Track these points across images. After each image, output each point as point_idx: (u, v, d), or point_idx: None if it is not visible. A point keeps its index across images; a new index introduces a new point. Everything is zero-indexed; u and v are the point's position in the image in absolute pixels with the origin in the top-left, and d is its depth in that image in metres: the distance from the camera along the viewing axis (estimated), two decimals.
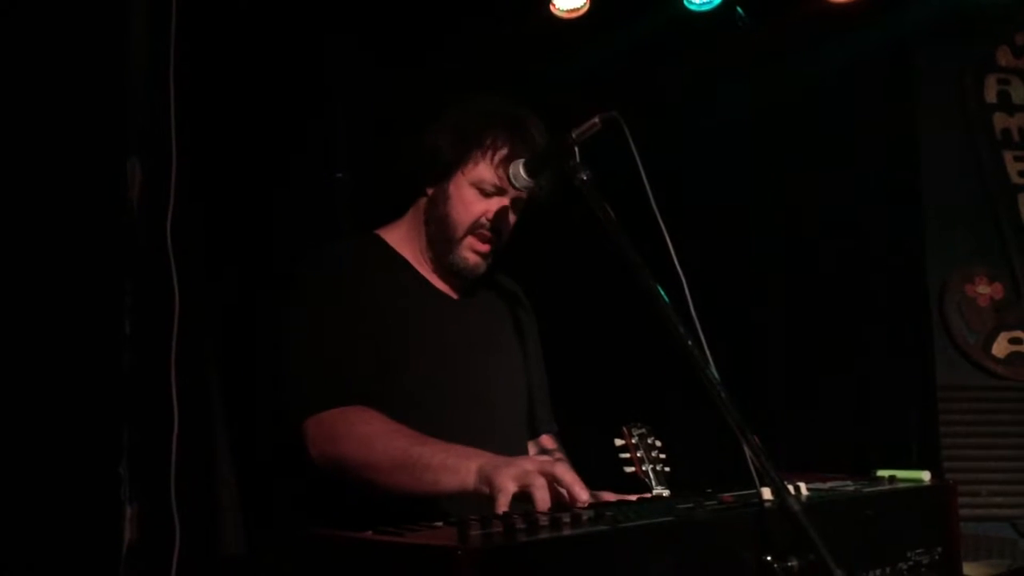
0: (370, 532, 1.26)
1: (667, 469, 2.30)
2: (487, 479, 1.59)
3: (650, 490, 2.21)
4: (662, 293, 1.61)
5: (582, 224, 1.86)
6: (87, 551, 1.83)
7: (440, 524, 1.32)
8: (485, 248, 2.06)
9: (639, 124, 1.77)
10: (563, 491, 1.54)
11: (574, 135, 1.80)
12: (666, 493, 2.15)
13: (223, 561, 2.13)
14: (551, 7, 3.65)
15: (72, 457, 1.84)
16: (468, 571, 1.08)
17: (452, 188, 2.04)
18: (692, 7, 3.70)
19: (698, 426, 2.37)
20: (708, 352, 1.56)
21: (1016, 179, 4.11)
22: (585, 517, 1.29)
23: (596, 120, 1.78)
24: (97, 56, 2.01)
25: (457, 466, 1.67)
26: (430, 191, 2.08)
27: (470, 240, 2.04)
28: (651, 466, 2.28)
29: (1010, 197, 4.10)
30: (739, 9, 3.73)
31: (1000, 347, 3.99)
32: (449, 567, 1.09)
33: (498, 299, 2.25)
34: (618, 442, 2.33)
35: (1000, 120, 4.15)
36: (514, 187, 1.95)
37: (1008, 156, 4.13)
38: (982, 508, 3.76)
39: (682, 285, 1.63)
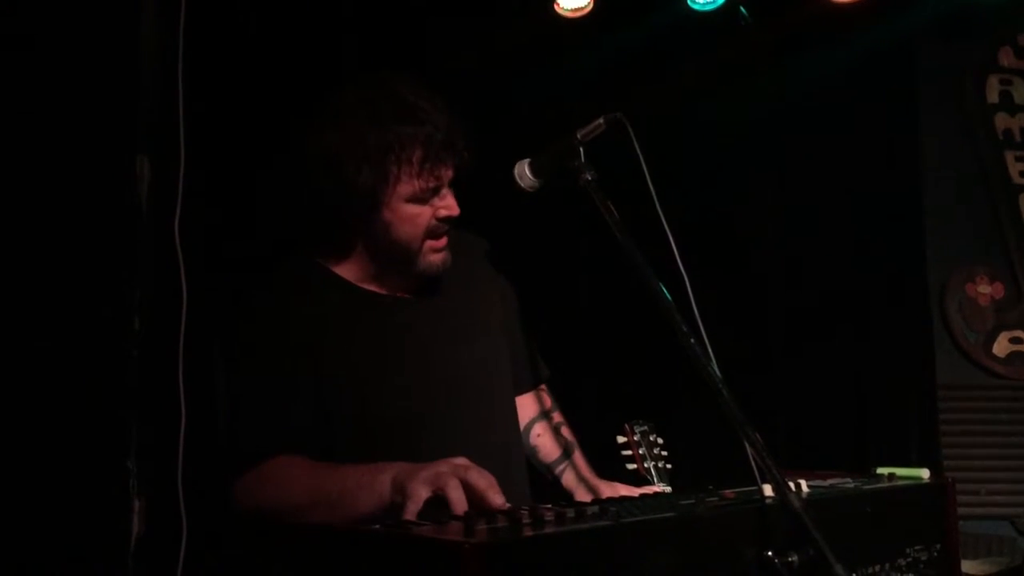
0: (378, 526, 1.28)
1: (668, 466, 2.32)
2: (400, 488, 1.55)
3: (649, 487, 2.22)
4: (665, 292, 1.63)
5: (585, 223, 1.88)
6: (96, 544, 1.85)
7: (446, 519, 1.35)
8: (443, 242, 1.96)
9: (643, 123, 1.79)
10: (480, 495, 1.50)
11: (579, 136, 1.82)
12: (668, 490, 2.17)
13: (228, 554, 2.14)
14: (555, 6, 3.64)
15: (82, 451, 1.86)
16: (474, 565, 1.10)
17: (388, 214, 1.88)
18: (696, 7, 3.71)
19: (700, 423, 2.39)
20: (710, 350, 1.58)
21: (1017, 179, 4.12)
22: (589, 512, 1.31)
23: (601, 121, 1.80)
24: (107, 53, 2.02)
25: (372, 482, 1.62)
26: (358, 220, 1.93)
27: (428, 244, 1.94)
28: (653, 463, 2.30)
29: (1011, 197, 4.11)
30: (742, 9, 3.74)
31: (1001, 346, 4.00)
32: (455, 561, 1.11)
33: (455, 271, 2.06)
34: (620, 439, 2.35)
35: (1002, 120, 4.16)
36: (520, 185, 1.95)
37: (1009, 156, 4.14)
38: (981, 506, 3.77)
39: (685, 284, 1.65)
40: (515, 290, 2.26)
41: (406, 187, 1.87)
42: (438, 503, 1.51)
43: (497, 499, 1.50)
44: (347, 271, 2.00)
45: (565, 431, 2.27)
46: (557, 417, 2.29)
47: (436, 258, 1.96)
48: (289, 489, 1.76)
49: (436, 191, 1.91)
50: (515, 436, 2.18)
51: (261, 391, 1.85)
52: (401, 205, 1.89)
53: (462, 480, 1.51)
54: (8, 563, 1.82)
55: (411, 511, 1.50)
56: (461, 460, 1.56)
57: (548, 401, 2.32)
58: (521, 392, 2.27)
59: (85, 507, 1.87)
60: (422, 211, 1.90)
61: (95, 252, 1.94)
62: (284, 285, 1.97)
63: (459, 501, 1.48)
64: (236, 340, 1.92)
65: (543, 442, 2.26)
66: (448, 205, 1.92)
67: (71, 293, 1.91)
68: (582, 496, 2.13)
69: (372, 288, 2.01)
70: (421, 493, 1.51)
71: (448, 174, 1.91)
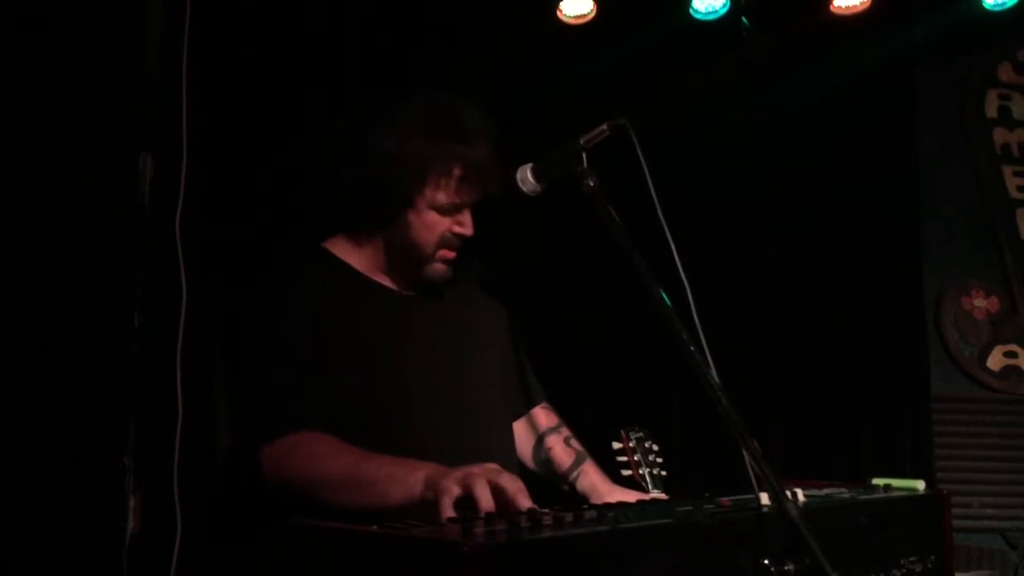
0: (375, 527, 1.29)
1: (664, 473, 2.32)
2: (433, 485, 1.60)
3: (647, 493, 2.23)
4: (666, 298, 1.63)
5: (585, 227, 1.89)
6: (91, 541, 1.85)
7: (446, 521, 1.35)
8: (452, 255, 2.08)
9: (645, 130, 1.80)
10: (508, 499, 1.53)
11: (582, 142, 1.83)
12: (663, 497, 2.17)
13: (223, 552, 2.14)
14: (558, 13, 3.67)
15: (78, 448, 1.86)
16: (473, 567, 1.10)
17: (412, 217, 2.02)
18: (698, 16, 3.73)
19: (696, 431, 2.40)
20: (710, 357, 1.58)
21: (1015, 194, 4.14)
22: (587, 517, 1.32)
23: (604, 127, 1.81)
24: (112, 51, 2.02)
25: (404, 477, 1.67)
26: (381, 216, 2.05)
27: (440, 253, 2.06)
28: (648, 470, 2.31)
29: (1008, 212, 4.12)
30: (744, 19, 3.76)
31: (995, 360, 4.01)
32: (454, 562, 1.11)
33: (462, 283, 2.21)
34: (616, 445, 2.36)
35: (1000, 135, 4.18)
36: (522, 190, 1.96)
37: (1007, 171, 4.16)
38: (973, 519, 3.78)
39: (685, 291, 1.66)
40: (515, 310, 2.32)
41: (436, 196, 2.01)
42: (467, 503, 1.53)
43: (525, 503, 1.52)
44: (358, 260, 2.11)
45: (575, 443, 2.30)
46: (565, 431, 2.32)
47: (441, 268, 2.09)
48: (320, 463, 1.80)
49: (459, 208, 2.05)
50: (508, 444, 2.20)
51: (286, 368, 1.92)
52: (425, 210, 2.02)
53: (492, 483, 1.53)
54: (2, 559, 1.82)
55: (446, 503, 1.54)
56: (492, 465, 1.60)
57: (555, 418, 2.36)
58: (527, 409, 2.32)
59: (80, 504, 1.87)
60: (441, 221, 2.04)
61: (96, 248, 1.94)
62: (298, 271, 2.07)
63: (486, 500, 1.50)
64: (257, 322, 1.99)
65: (555, 454, 2.29)
66: (465, 224, 2.06)
67: (71, 289, 1.92)
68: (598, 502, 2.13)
69: (380, 280, 2.11)
70: (453, 490, 1.54)
71: (474, 198, 2.06)
